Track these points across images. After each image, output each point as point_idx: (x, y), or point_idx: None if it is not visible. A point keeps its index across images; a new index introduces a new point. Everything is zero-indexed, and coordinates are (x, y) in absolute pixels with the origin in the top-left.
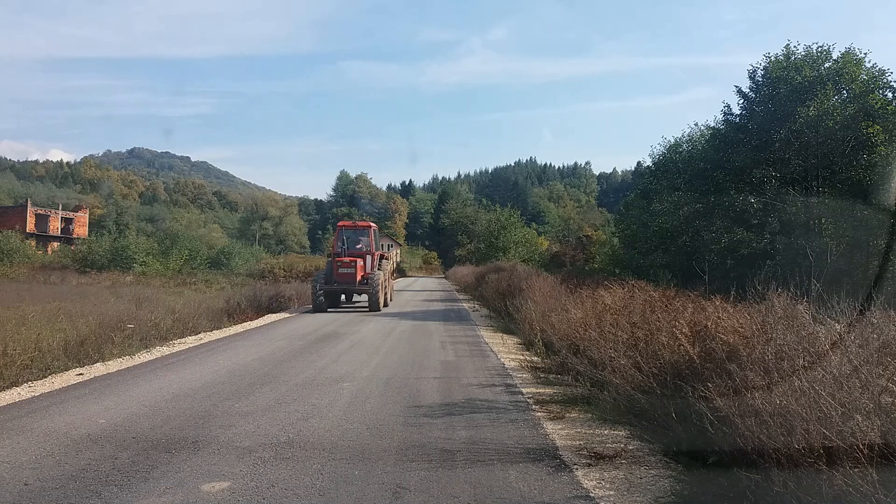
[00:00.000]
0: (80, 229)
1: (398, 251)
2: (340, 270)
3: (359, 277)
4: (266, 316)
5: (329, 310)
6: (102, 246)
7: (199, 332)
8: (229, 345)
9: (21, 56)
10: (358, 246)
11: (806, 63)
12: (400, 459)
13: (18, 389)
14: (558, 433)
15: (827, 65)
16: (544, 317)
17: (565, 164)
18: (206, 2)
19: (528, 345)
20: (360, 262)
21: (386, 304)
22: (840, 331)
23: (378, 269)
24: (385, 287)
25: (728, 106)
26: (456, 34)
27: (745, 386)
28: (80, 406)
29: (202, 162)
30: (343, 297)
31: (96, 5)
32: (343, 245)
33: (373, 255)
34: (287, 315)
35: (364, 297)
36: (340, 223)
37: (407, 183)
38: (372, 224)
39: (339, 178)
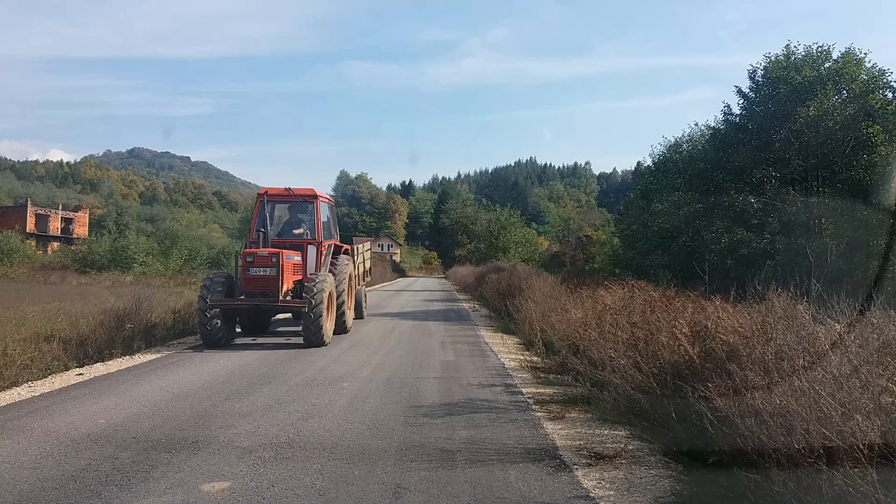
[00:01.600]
0: (80, 229)
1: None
2: (251, 272)
3: (286, 285)
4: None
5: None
6: (102, 246)
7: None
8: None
9: (21, 56)
10: (297, 231)
11: (806, 63)
12: (400, 459)
13: (18, 389)
14: (558, 433)
15: (827, 65)
16: (544, 317)
17: (565, 164)
18: (206, 2)
19: (528, 345)
20: (290, 256)
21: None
22: (840, 331)
23: (327, 272)
24: (343, 300)
25: (728, 106)
26: (456, 34)
27: (745, 386)
28: (80, 406)
29: (202, 162)
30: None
31: (96, 5)
32: (264, 229)
33: (319, 245)
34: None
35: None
36: (262, 190)
37: (407, 183)
38: (320, 193)
39: (340, 178)
